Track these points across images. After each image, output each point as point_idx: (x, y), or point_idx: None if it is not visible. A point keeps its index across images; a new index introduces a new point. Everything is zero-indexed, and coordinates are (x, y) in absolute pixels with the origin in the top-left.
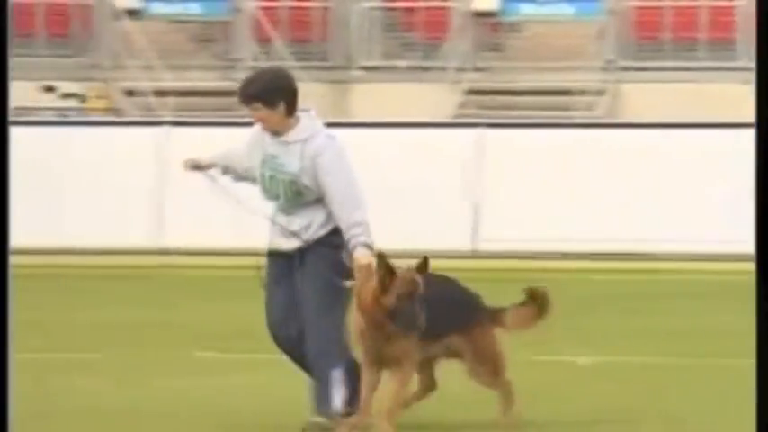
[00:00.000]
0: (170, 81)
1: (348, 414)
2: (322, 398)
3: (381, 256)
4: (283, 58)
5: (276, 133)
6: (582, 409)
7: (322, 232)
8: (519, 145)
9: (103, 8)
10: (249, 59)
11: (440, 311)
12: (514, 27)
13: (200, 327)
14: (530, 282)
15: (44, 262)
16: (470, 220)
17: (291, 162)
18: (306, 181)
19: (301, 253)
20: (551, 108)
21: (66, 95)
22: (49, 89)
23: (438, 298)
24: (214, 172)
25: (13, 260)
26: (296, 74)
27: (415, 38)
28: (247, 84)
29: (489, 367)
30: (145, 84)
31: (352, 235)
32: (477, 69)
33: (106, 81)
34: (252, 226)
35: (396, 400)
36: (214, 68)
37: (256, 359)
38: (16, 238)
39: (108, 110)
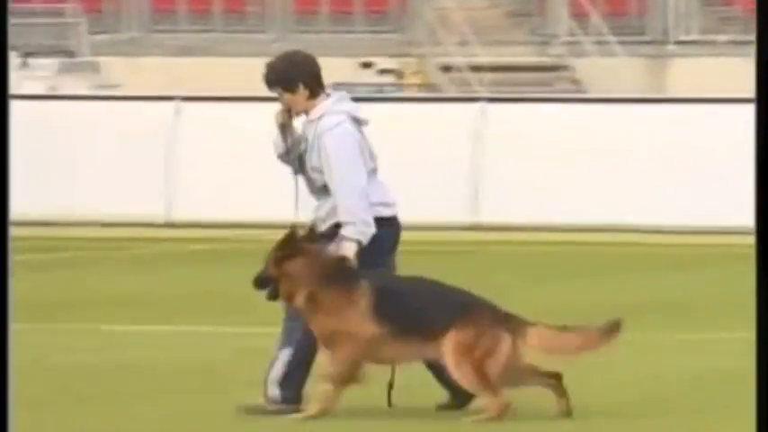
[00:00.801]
0: (485, 56)
1: None
2: None
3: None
4: (600, 32)
5: (306, 115)
6: None
7: (325, 225)
8: None
9: None
10: (565, 35)
11: (423, 307)
12: None
13: (525, 303)
14: None
15: None
16: None
17: (306, 142)
18: (313, 161)
19: None
20: None
21: (384, 71)
22: (367, 65)
23: (423, 296)
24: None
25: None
26: (612, 48)
27: (733, 11)
28: (268, 70)
29: (471, 369)
30: (460, 59)
31: (342, 225)
32: None
33: (423, 57)
34: (568, 203)
35: (329, 390)
36: (530, 44)
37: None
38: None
39: (424, 85)
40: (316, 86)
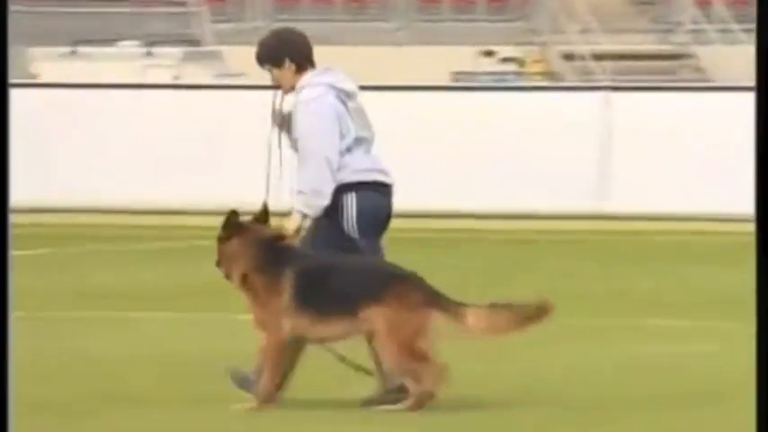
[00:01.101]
0: (608, 45)
1: None
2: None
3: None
4: (723, 20)
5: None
6: None
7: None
8: None
9: None
10: (689, 23)
11: (345, 283)
12: None
13: (650, 293)
14: None
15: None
16: None
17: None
18: (294, 133)
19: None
20: None
21: (505, 60)
22: (489, 54)
23: (346, 273)
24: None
25: (434, 225)
26: (737, 36)
27: None
28: (258, 48)
29: (397, 349)
30: (583, 47)
31: (295, 198)
32: None
33: (545, 45)
34: (692, 192)
35: (264, 378)
36: (653, 32)
37: (708, 326)
38: (432, 203)
39: (546, 74)
40: (302, 62)
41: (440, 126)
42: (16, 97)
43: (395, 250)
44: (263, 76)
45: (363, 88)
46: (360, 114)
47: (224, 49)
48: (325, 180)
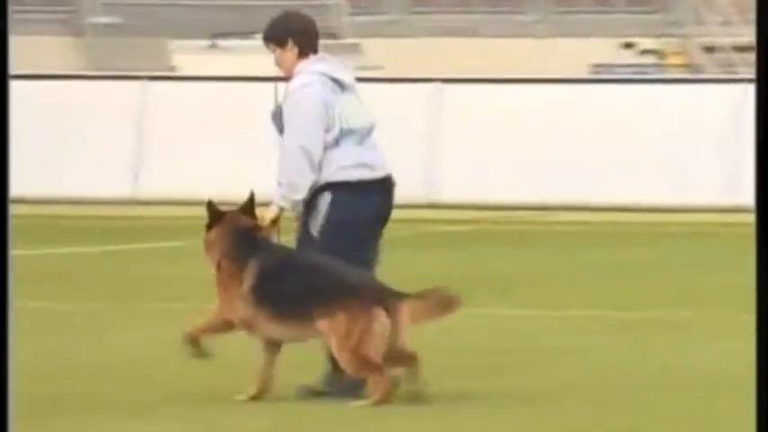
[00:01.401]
0: (750, 37)
1: None
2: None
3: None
4: None
5: None
6: None
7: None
8: None
9: None
10: None
11: (301, 287)
12: None
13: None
14: None
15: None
16: None
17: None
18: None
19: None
20: None
21: (645, 52)
22: (628, 46)
23: (303, 278)
24: None
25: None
26: None
27: None
28: (267, 27)
29: (349, 357)
30: (724, 40)
31: (274, 189)
32: None
33: (685, 37)
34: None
35: (201, 326)
36: None
37: None
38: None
39: (686, 66)
40: (305, 46)
41: (579, 119)
42: (156, 90)
43: (564, 241)
44: (401, 68)
45: (502, 81)
46: (355, 105)
47: (362, 41)
48: (302, 174)
